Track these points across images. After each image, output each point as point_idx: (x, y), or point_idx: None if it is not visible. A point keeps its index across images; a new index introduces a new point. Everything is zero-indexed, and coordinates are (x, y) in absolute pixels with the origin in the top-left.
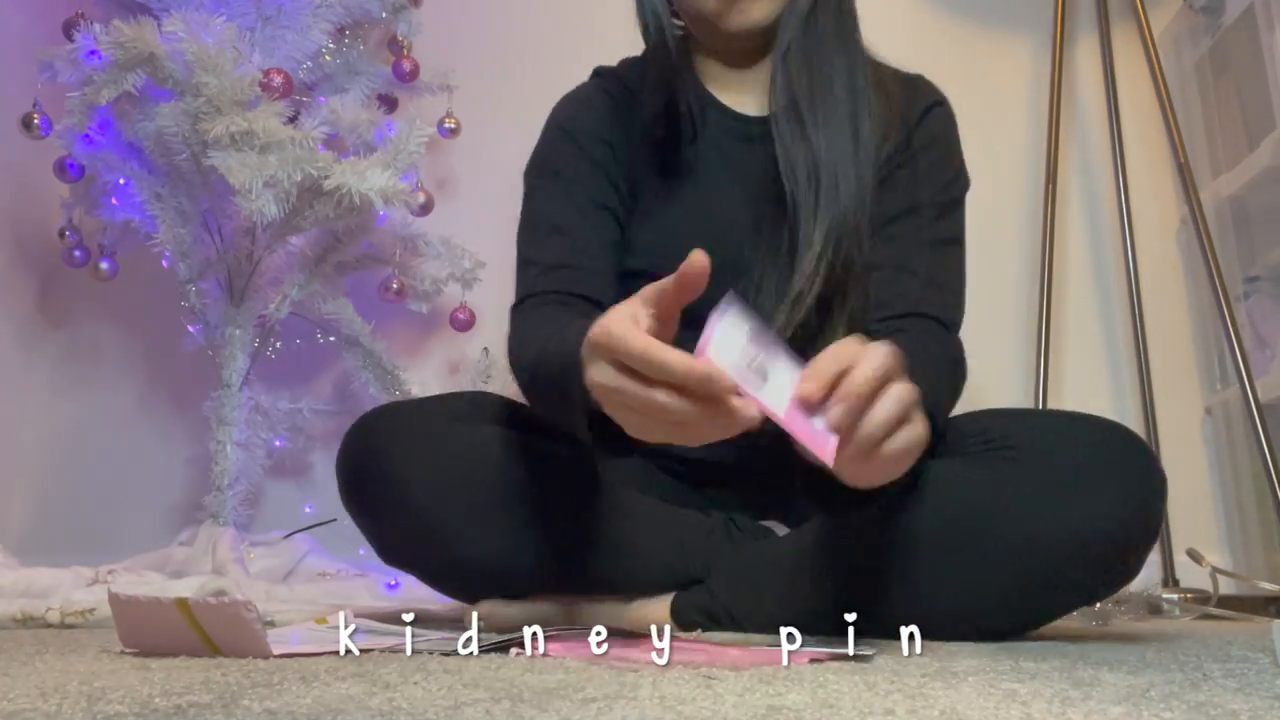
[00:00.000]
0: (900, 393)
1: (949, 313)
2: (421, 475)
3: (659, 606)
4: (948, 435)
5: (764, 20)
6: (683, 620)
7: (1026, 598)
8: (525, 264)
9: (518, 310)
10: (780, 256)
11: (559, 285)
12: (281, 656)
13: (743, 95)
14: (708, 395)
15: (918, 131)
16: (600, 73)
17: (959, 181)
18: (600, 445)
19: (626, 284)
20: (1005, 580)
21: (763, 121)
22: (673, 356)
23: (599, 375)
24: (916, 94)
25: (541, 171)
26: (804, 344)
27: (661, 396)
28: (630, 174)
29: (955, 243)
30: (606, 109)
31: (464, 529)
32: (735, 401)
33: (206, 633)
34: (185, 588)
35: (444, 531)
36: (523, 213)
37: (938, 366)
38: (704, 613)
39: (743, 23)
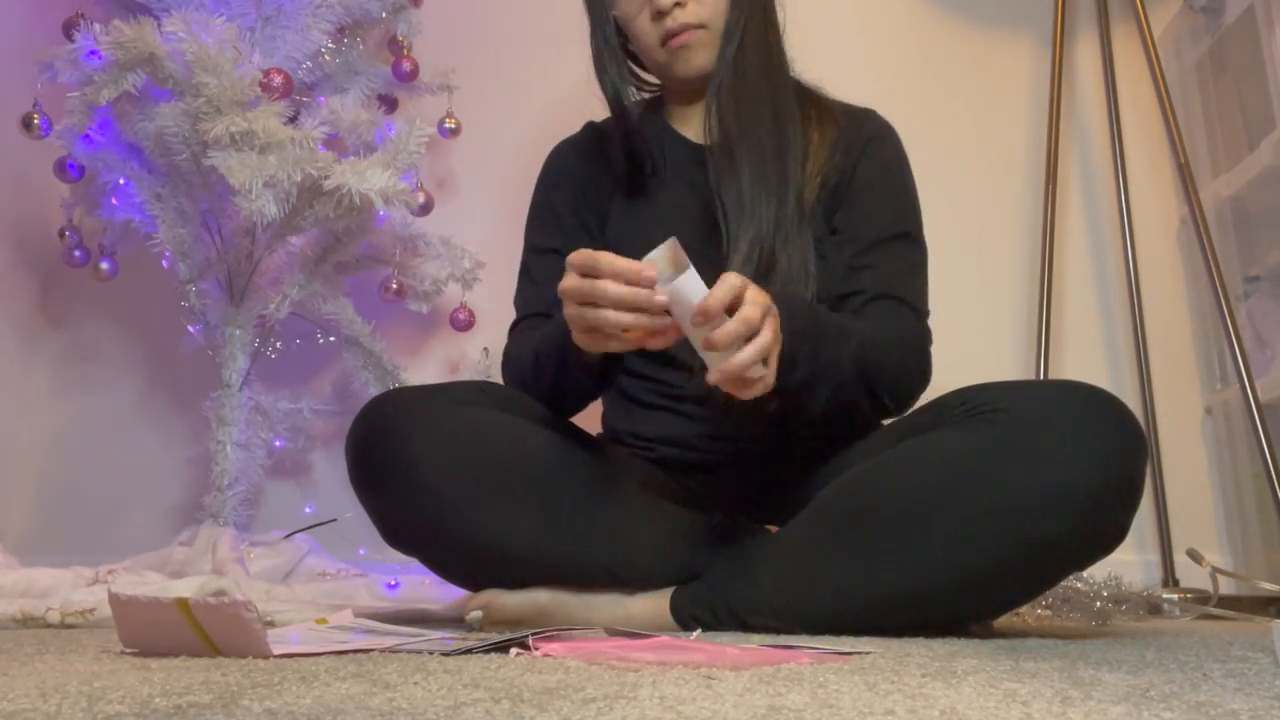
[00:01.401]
0: (745, 312)
1: (914, 299)
2: (430, 453)
3: (658, 601)
4: (933, 411)
5: (706, 67)
6: (681, 615)
7: (1018, 562)
8: (520, 311)
9: (505, 355)
10: (718, 263)
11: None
12: (281, 657)
13: (695, 127)
14: (640, 301)
15: (863, 161)
16: (589, 124)
17: (913, 215)
18: (611, 443)
19: None
20: (994, 543)
21: (702, 149)
22: (623, 261)
23: (567, 282)
24: (862, 125)
25: (529, 235)
26: None
27: (612, 288)
28: (600, 204)
29: (917, 267)
30: (579, 155)
31: (469, 508)
32: (657, 298)
33: (206, 633)
34: (185, 588)
35: (449, 510)
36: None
37: (868, 332)
38: (703, 607)
39: (687, 70)
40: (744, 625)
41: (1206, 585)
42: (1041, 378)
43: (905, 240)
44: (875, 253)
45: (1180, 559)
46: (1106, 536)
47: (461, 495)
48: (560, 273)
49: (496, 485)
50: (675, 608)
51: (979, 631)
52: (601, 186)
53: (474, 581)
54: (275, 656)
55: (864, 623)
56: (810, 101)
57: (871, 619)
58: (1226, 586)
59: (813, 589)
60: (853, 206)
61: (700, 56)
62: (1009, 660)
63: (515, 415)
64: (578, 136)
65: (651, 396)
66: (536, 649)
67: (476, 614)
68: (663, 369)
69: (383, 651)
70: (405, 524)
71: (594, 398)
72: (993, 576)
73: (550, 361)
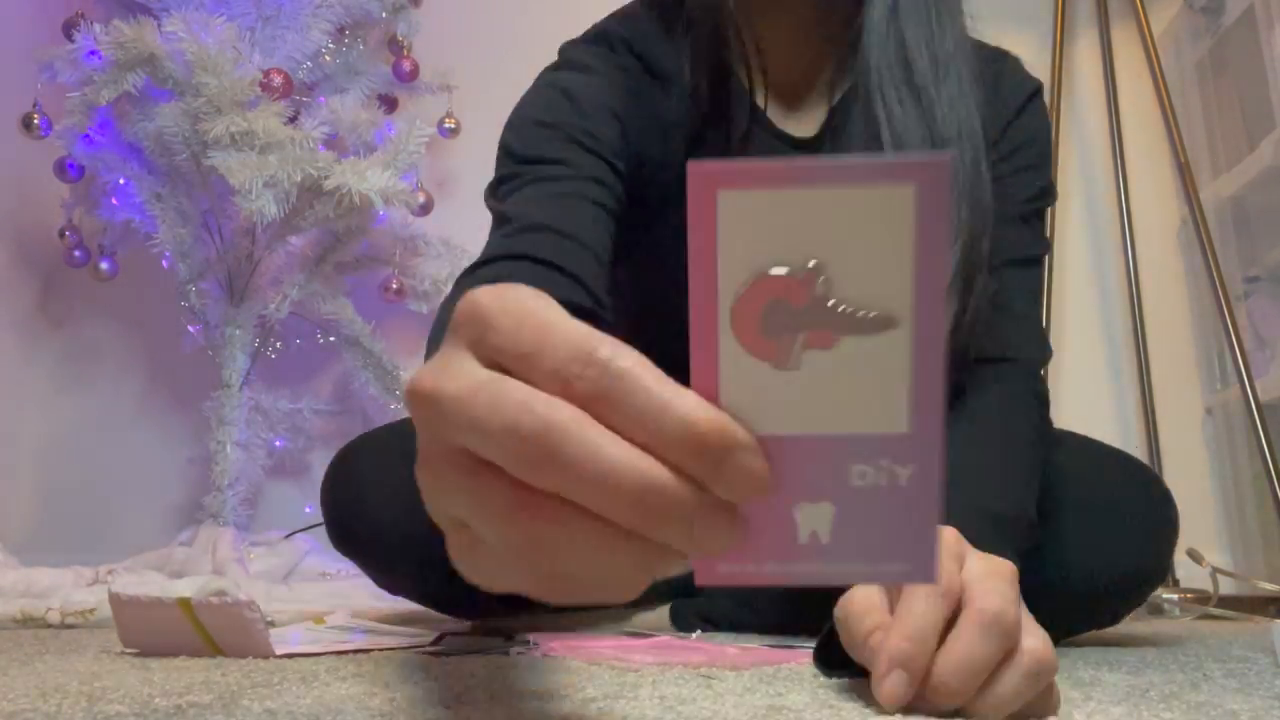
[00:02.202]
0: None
1: (1038, 350)
2: (397, 516)
3: (658, 613)
4: None
5: None
6: (681, 624)
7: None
8: (499, 222)
9: (463, 275)
10: None
11: (531, 249)
12: (282, 656)
13: (797, 110)
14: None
15: (1016, 124)
16: (602, 34)
17: (1051, 191)
18: None
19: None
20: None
21: (814, 145)
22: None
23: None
24: (1016, 77)
25: (506, 148)
26: None
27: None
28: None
29: (1039, 261)
30: (631, 88)
31: (445, 568)
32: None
33: (208, 633)
34: (186, 587)
35: (427, 572)
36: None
37: (1031, 452)
38: (702, 617)
39: None
40: (743, 629)
41: (1207, 585)
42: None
43: (1032, 263)
44: (1006, 275)
45: (1180, 559)
46: (1125, 613)
47: (437, 557)
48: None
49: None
50: (675, 618)
51: None
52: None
53: (471, 615)
54: (277, 657)
55: None
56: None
57: None
58: (1226, 586)
59: (816, 605)
60: (1000, 179)
61: None
62: None
63: None
64: (604, 52)
65: None
66: (536, 645)
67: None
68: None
69: (383, 651)
70: (388, 583)
71: None
72: None
73: None
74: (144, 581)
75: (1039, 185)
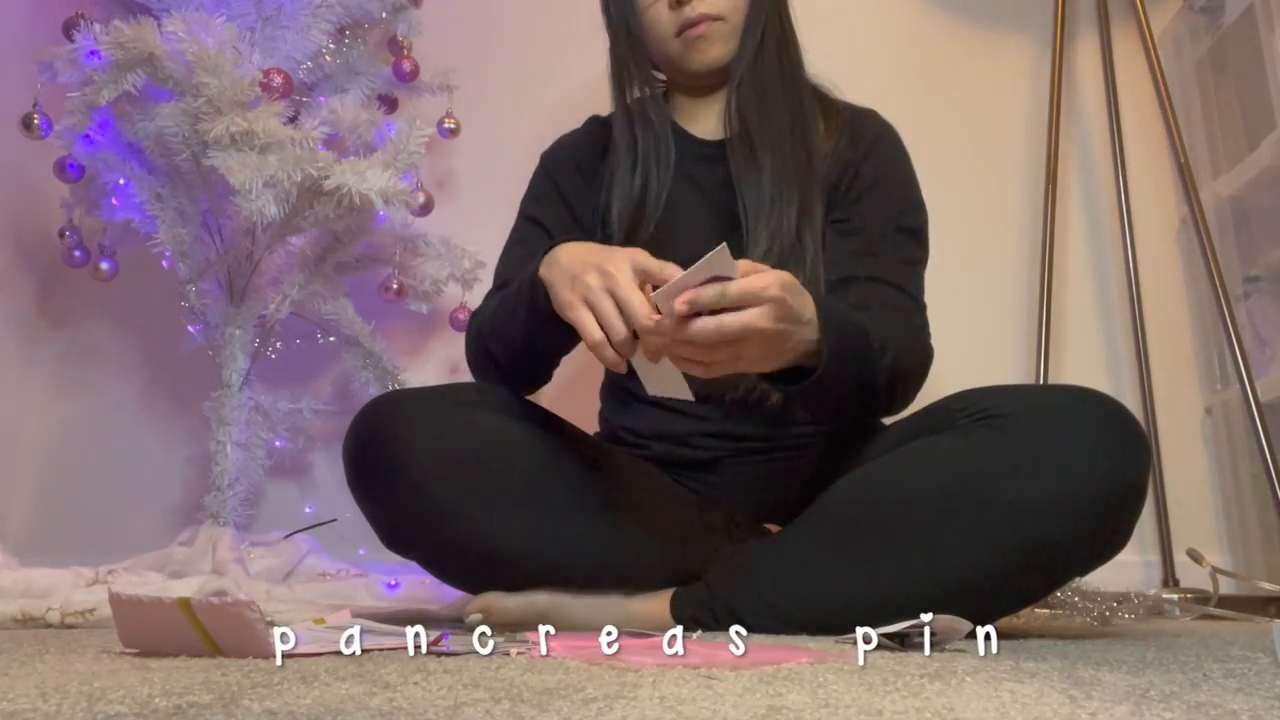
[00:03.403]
0: (729, 286)
1: (914, 289)
2: (427, 455)
3: (659, 602)
4: (936, 414)
5: (720, 60)
6: (681, 616)
7: (1019, 567)
8: (495, 280)
9: (473, 314)
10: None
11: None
12: (285, 656)
13: (705, 123)
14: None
15: (868, 159)
16: (593, 118)
17: (917, 213)
18: (609, 443)
19: None
20: (995, 549)
21: (718, 144)
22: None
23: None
24: (867, 124)
25: (523, 204)
26: None
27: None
28: (599, 199)
29: (918, 263)
30: (584, 144)
31: (466, 511)
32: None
33: (209, 633)
34: (185, 588)
35: (447, 513)
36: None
37: (893, 326)
38: (703, 608)
39: (702, 63)
40: (744, 627)
41: (1206, 585)
42: (1042, 378)
43: (909, 235)
44: (881, 243)
45: (1180, 559)
46: (1109, 542)
47: (459, 497)
48: (541, 245)
49: (494, 487)
50: (675, 609)
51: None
52: (603, 180)
53: (473, 583)
54: (278, 656)
55: (867, 626)
56: (818, 99)
57: (873, 622)
58: (1226, 586)
59: (814, 592)
60: (858, 201)
61: (716, 49)
62: (1009, 660)
63: (513, 418)
64: (582, 130)
65: (643, 400)
66: (534, 645)
67: (476, 617)
68: None
69: (383, 650)
70: (403, 526)
71: (558, 352)
72: (994, 581)
73: (524, 303)
74: (144, 582)
75: (902, 206)
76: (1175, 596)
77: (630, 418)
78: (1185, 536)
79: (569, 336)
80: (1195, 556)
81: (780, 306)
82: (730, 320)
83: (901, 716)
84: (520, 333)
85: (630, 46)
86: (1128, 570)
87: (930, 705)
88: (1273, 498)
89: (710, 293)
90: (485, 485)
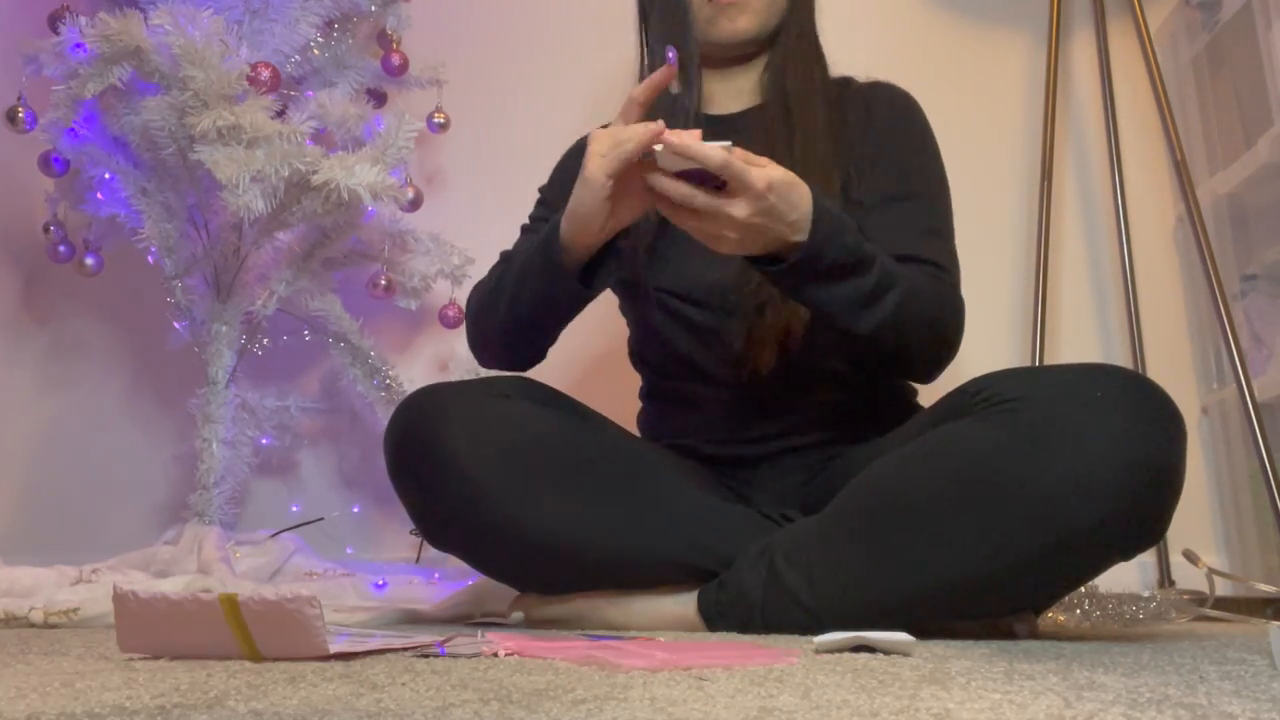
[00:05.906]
0: (726, 159)
1: (936, 256)
2: (471, 445)
3: (686, 605)
4: (953, 400)
5: (748, 32)
6: (709, 615)
7: (1048, 555)
8: (500, 258)
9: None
10: None
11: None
12: (332, 658)
13: (721, 99)
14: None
15: (870, 131)
16: None
17: (919, 177)
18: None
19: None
20: (1019, 538)
21: (730, 119)
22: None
23: (615, 122)
24: (878, 91)
25: (541, 189)
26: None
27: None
28: None
29: (934, 232)
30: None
31: (510, 500)
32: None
33: (249, 632)
34: (171, 586)
35: (492, 503)
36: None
37: (919, 282)
38: (732, 608)
39: (730, 33)
40: (770, 626)
41: (1203, 586)
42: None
43: (909, 201)
44: (878, 215)
45: (1176, 560)
46: (1143, 523)
47: (503, 487)
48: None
49: (539, 477)
50: (703, 608)
51: (1022, 632)
52: None
53: (515, 575)
54: (328, 658)
55: (895, 619)
56: (838, 81)
57: (902, 615)
58: (1223, 588)
59: (839, 586)
60: (862, 176)
61: (745, 19)
62: (1003, 663)
63: (555, 409)
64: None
65: (685, 400)
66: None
67: (519, 615)
68: (696, 383)
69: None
70: (448, 519)
71: (568, 313)
72: (1022, 571)
73: (534, 263)
74: (129, 581)
75: (901, 168)
76: (1171, 598)
77: (669, 424)
78: (1181, 537)
79: (579, 289)
80: (1191, 558)
81: (760, 202)
82: (703, 200)
83: (895, 718)
84: (530, 287)
85: (662, 19)
86: (1124, 571)
87: (924, 707)
88: (1269, 498)
89: (699, 147)
90: (529, 474)
